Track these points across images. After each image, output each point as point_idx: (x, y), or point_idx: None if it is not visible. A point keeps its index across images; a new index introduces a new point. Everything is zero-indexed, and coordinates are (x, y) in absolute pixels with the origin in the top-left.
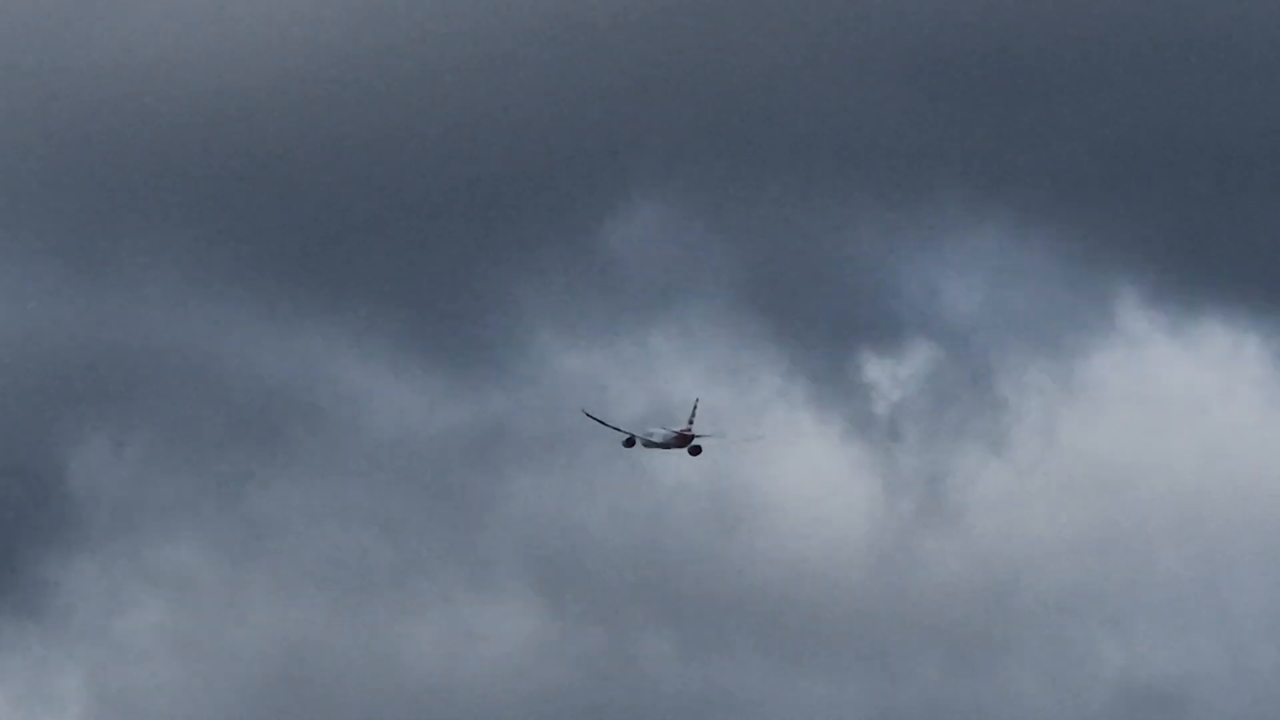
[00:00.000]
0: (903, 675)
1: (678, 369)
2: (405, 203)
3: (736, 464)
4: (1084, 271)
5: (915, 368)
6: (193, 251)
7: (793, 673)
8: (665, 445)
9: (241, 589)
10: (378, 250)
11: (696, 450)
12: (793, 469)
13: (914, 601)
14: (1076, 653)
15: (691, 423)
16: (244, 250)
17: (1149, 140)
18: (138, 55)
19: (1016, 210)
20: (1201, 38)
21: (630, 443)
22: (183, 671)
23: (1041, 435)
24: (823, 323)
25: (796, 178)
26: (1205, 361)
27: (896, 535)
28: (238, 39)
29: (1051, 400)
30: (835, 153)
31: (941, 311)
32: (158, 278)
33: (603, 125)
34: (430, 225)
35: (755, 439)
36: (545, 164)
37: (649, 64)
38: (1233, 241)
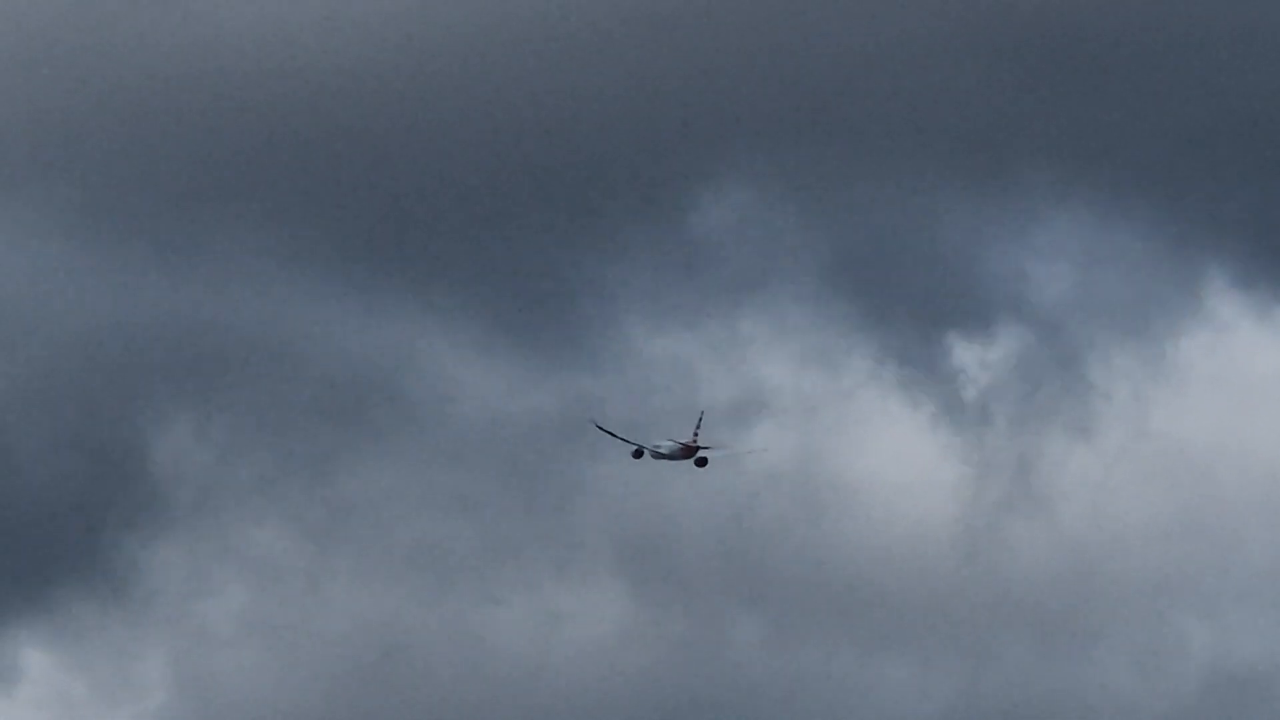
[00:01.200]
0: (991, 661)
1: (767, 353)
2: (493, 186)
3: (826, 448)
4: (1173, 254)
5: (1004, 352)
6: (279, 233)
7: (880, 658)
8: (672, 457)
9: (326, 573)
10: (465, 234)
11: (702, 462)
12: (882, 453)
13: (1002, 587)
14: (1166, 638)
15: (697, 435)
16: (330, 233)
17: (1237, 122)
18: (225, 35)
19: (1105, 193)
20: None
21: (639, 454)
22: (266, 656)
23: (1130, 419)
24: (911, 306)
25: (885, 161)
26: None
27: (985, 520)
28: (327, 20)
29: (1140, 384)
30: (923, 136)
31: (1030, 295)
32: (244, 259)
33: (691, 108)
34: (518, 209)
35: (758, 451)
36: (633, 147)
37: (738, 46)
38: None
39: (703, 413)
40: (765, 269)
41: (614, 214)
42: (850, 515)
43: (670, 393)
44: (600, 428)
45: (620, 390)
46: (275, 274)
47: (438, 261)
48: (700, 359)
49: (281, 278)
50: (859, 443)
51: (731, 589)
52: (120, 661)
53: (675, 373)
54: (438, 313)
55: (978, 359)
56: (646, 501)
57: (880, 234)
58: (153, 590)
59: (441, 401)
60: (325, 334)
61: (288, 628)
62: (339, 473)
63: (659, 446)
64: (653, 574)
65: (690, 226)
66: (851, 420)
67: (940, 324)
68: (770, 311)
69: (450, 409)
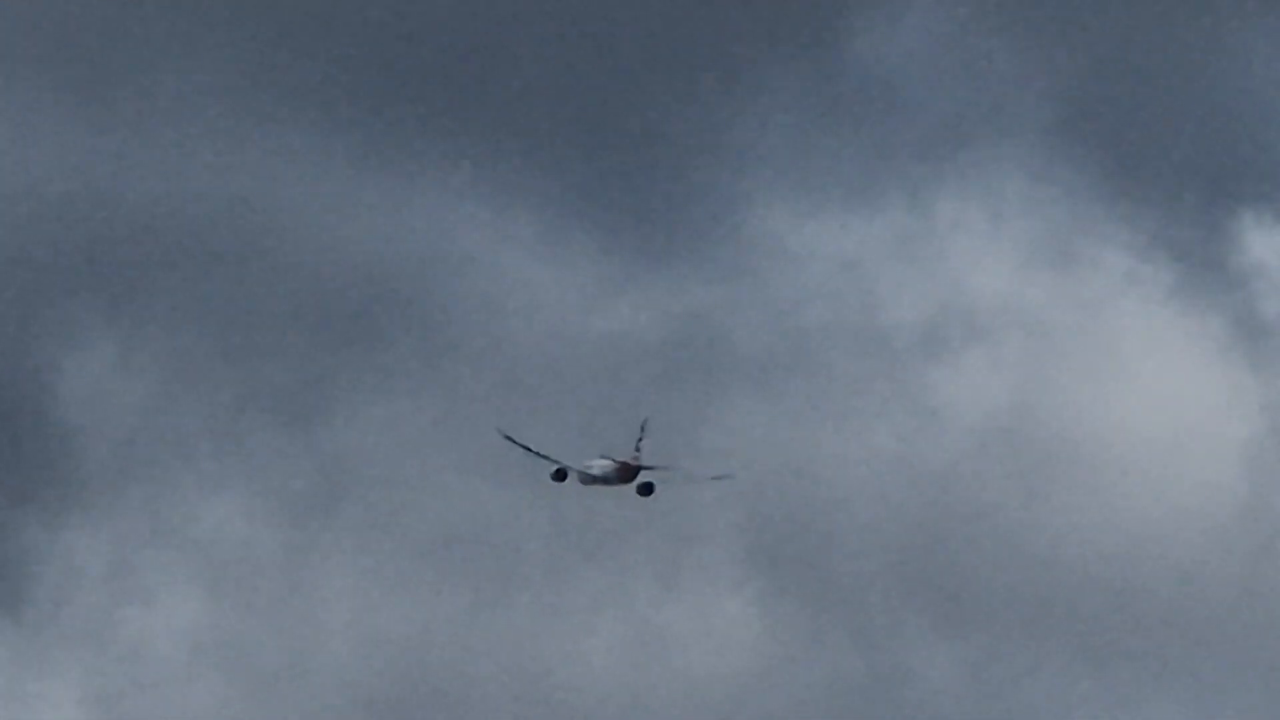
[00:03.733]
0: None
1: (975, 247)
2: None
3: (1058, 391)
4: None
5: None
6: (250, 69)
7: (1123, 695)
8: (606, 480)
9: (314, 569)
10: (529, 72)
11: (647, 489)
12: (1142, 396)
13: None
14: None
15: (639, 450)
16: (327, 69)
17: None
18: None
19: None
20: None
21: (561, 475)
22: (225, 688)
23: None
24: (1190, 177)
25: None
26: None
27: None
28: None
29: None
30: None
31: None
32: (197, 106)
33: None
34: (605, 38)
35: (721, 478)
36: None
37: None
38: None
39: (646, 420)
40: (966, 124)
41: (744, 48)
42: (1092, 491)
43: (827, 306)
44: (508, 438)
45: (754, 304)
46: (241, 129)
47: (488, 112)
48: (873, 257)
49: (250, 135)
50: (1108, 381)
51: (916, 597)
52: (14, 695)
53: (835, 278)
54: (486, 186)
55: None
56: (791, 464)
57: (1140, 69)
58: (63, 594)
59: (491, 316)
60: (317, 216)
61: (256, 648)
62: (336, 420)
63: (589, 467)
64: (799, 571)
65: (853, 63)
66: (1097, 347)
67: (1230, 201)
68: (975, 186)
69: (504, 326)
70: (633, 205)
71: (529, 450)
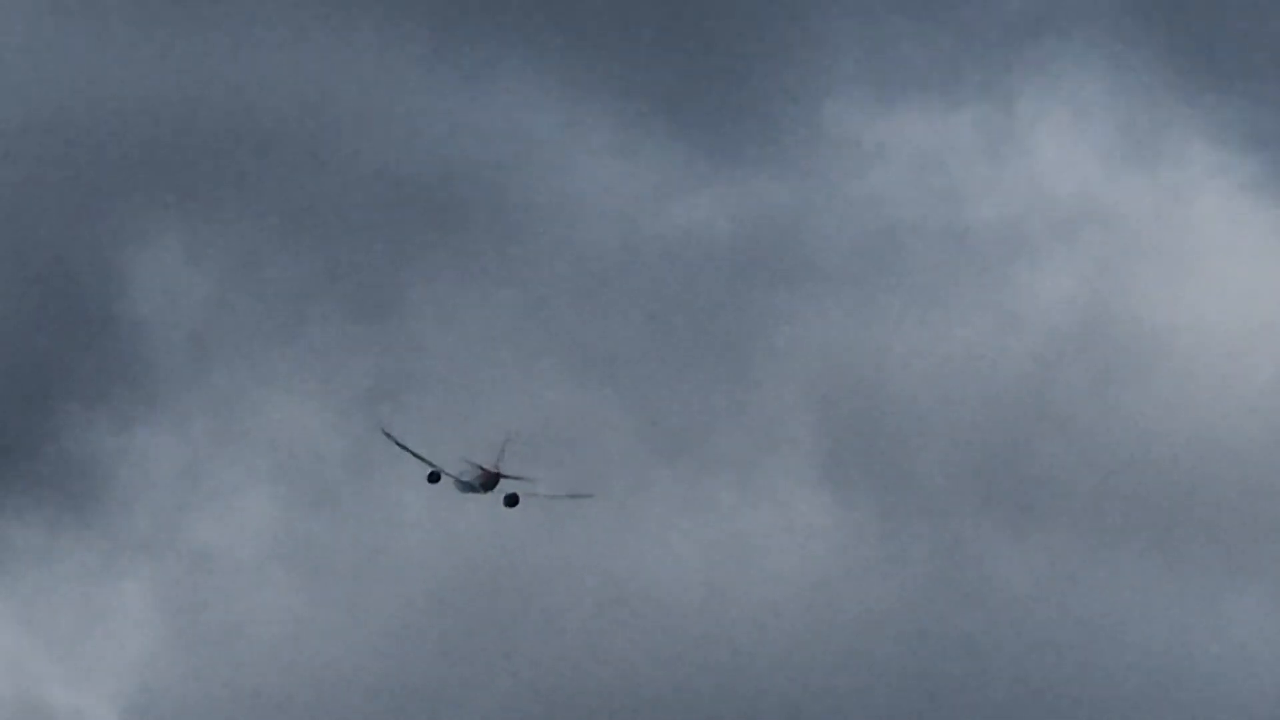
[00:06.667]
0: None
1: (1059, 141)
2: None
3: (1137, 286)
4: None
5: None
6: None
7: (1204, 597)
8: (471, 487)
9: (387, 467)
10: None
11: (512, 500)
12: (1223, 291)
13: None
14: None
15: (500, 460)
16: None
17: None
18: None
19: None
20: None
21: (435, 478)
22: (299, 593)
23: None
24: (1271, 65)
25: None
26: None
27: None
28: None
29: None
30: None
31: None
32: (266, 1)
33: None
34: None
35: (580, 497)
36: None
37: None
38: None
39: (508, 436)
40: (1046, 15)
41: None
42: (1174, 389)
43: (904, 203)
44: (389, 436)
45: (829, 201)
46: (309, 20)
47: (568, 5)
48: (952, 152)
49: (319, 27)
50: (1189, 276)
51: (995, 499)
52: (86, 601)
53: (912, 174)
54: (559, 81)
55: None
56: (866, 366)
57: None
58: (132, 496)
59: (562, 209)
60: (391, 109)
61: (330, 548)
62: (408, 315)
63: (463, 473)
64: (878, 476)
65: None
66: (1178, 242)
67: None
68: (1055, 79)
69: (575, 221)
70: (706, 99)
71: (407, 450)
